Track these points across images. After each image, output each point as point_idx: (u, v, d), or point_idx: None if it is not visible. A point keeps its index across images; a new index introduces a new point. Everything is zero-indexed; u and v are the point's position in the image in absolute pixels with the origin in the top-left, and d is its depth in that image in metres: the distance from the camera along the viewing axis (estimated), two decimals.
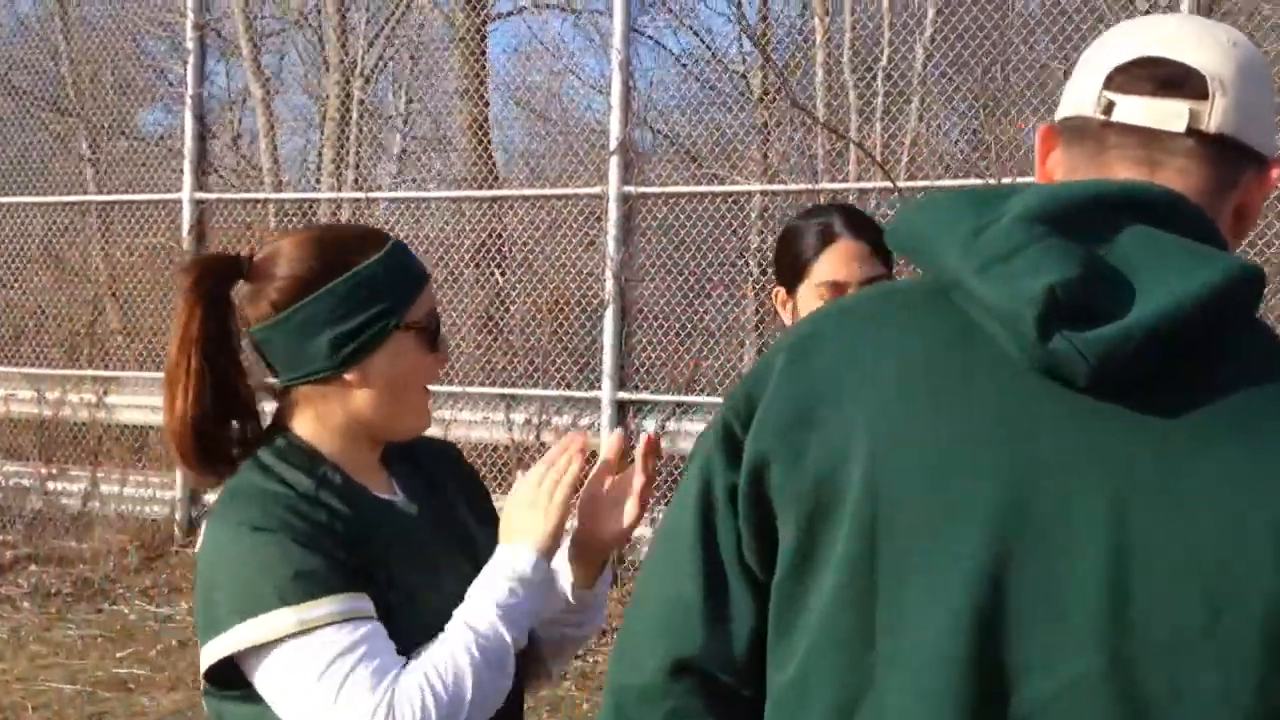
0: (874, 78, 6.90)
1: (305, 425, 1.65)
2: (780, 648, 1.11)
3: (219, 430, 1.62)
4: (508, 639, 1.56)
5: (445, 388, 7.13)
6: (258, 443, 1.64)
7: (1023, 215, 1.06)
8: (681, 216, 6.94)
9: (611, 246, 6.80)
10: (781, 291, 2.24)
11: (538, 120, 8.41)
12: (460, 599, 1.59)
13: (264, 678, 1.51)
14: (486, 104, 8.08)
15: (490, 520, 1.75)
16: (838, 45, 7.16)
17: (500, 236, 7.61)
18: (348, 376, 1.62)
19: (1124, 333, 1.00)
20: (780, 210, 6.87)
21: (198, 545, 1.62)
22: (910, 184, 6.18)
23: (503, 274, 7.60)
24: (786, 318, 2.23)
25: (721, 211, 6.88)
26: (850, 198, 6.69)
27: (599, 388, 6.90)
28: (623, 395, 6.87)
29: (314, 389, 1.63)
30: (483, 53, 8.32)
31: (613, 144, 6.88)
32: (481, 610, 1.57)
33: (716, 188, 7.03)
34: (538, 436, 7.10)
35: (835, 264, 2.16)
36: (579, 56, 8.08)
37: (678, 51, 7.72)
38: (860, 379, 1.10)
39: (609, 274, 6.85)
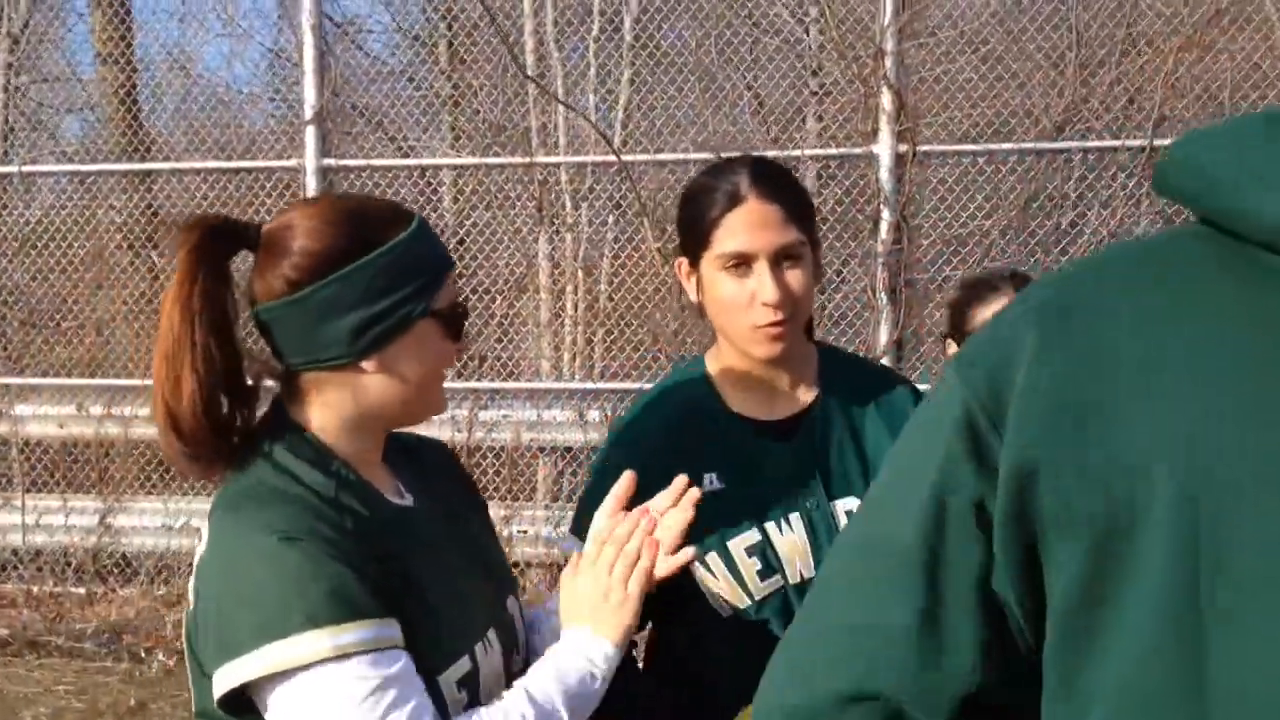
0: (585, 47, 6.69)
1: (312, 415, 1.50)
2: (1067, 696, 0.89)
3: (220, 413, 1.45)
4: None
5: (109, 380, 6.49)
6: (256, 434, 1.48)
7: None
8: (390, 193, 6.52)
9: None
10: (684, 263, 1.88)
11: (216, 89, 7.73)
12: (480, 613, 1.52)
13: (283, 707, 1.36)
14: (134, 69, 7.37)
15: (487, 527, 1.68)
16: (543, 10, 6.90)
17: (156, 214, 6.95)
18: (365, 364, 1.47)
19: None
20: (476, 183, 6.57)
21: (198, 553, 1.43)
22: (633, 157, 6.00)
23: (162, 256, 6.96)
24: (692, 293, 1.89)
25: (420, 187, 6.51)
26: (565, 171, 6.46)
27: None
28: None
29: (325, 375, 1.48)
30: (128, 12, 7.53)
31: (308, 113, 6.40)
32: (548, 690, 1.47)
33: (425, 160, 6.64)
34: None
35: (739, 232, 1.78)
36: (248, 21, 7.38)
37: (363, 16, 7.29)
38: (1143, 364, 0.86)
39: None
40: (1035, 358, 0.89)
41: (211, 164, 6.81)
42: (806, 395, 1.91)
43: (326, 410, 1.50)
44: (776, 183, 1.82)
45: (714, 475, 1.83)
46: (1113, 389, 0.86)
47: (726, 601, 1.81)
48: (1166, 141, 5.50)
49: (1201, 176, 0.87)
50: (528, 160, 6.27)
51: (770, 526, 1.84)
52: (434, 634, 1.44)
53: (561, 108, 6.78)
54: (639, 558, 1.56)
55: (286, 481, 1.44)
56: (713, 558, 1.81)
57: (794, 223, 1.80)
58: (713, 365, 1.92)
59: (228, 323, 1.45)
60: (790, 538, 1.83)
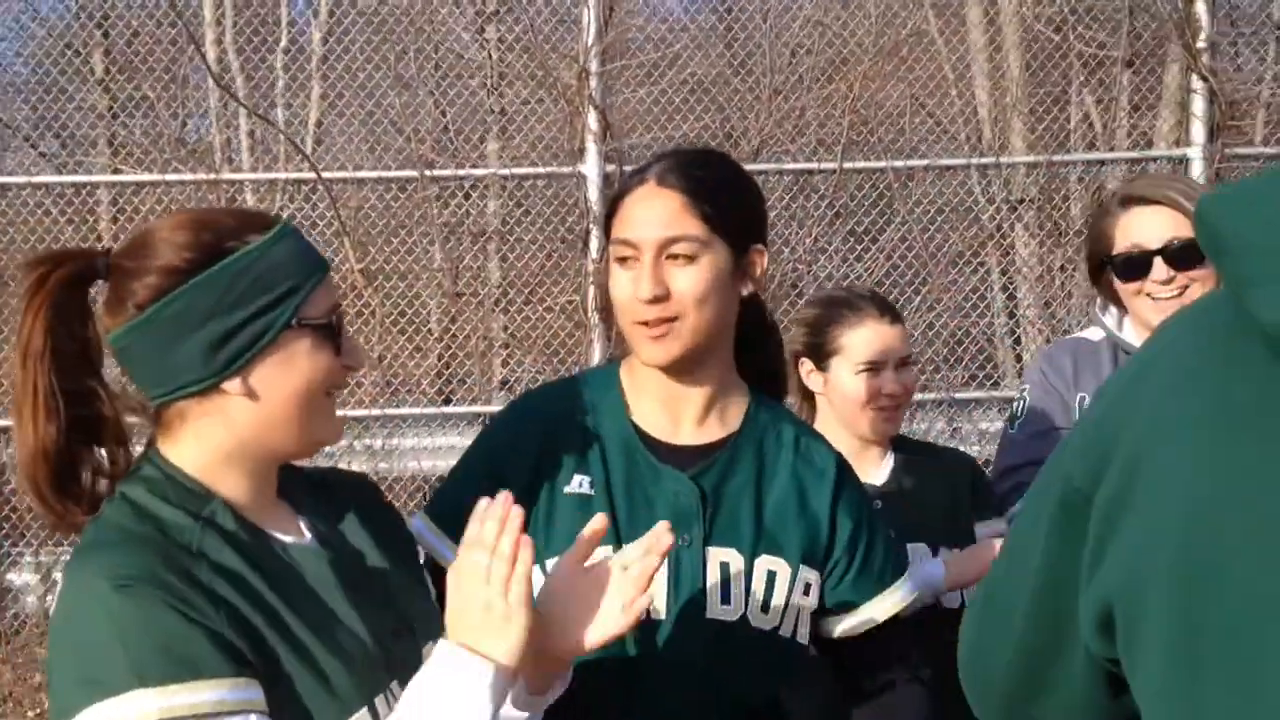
0: (274, 59, 6.35)
1: (184, 451, 1.37)
2: None
3: (76, 460, 1.34)
4: None
5: None
6: (124, 477, 1.36)
7: None
8: (40, 212, 5.95)
9: None
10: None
11: None
12: (382, 662, 1.36)
13: None
14: None
15: (410, 571, 1.53)
16: (224, 19, 6.51)
17: None
18: (227, 387, 1.34)
19: None
20: (155, 201, 6.11)
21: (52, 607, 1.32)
22: (334, 174, 5.72)
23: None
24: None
25: (74, 205, 5.98)
26: (255, 190, 6.10)
27: None
28: None
29: (189, 405, 1.35)
30: None
31: None
32: None
33: (98, 178, 6.11)
34: None
35: (627, 217, 1.64)
36: None
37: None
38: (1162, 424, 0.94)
39: None
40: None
41: None
42: (718, 431, 1.74)
43: (199, 445, 1.37)
44: (687, 171, 1.65)
45: (587, 480, 1.69)
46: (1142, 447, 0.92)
47: None
48: (855, 165, 5.78)
49: (1216, 242, 0.88)
50: (213, 177, 5.87)
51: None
52: (318, 685, 1.31)
53: (244, 122, 6.41)
54: (516, 561, 1.36)
55: (142, 525, 1.31)
56: (554, 564, 1.62)
57: (698, 216, 1.63)
58: (625, 371, 1.76)
59: (83, 363, 1.34)
60: (661, 574, 1.65)
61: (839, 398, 2.38)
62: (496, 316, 5.86)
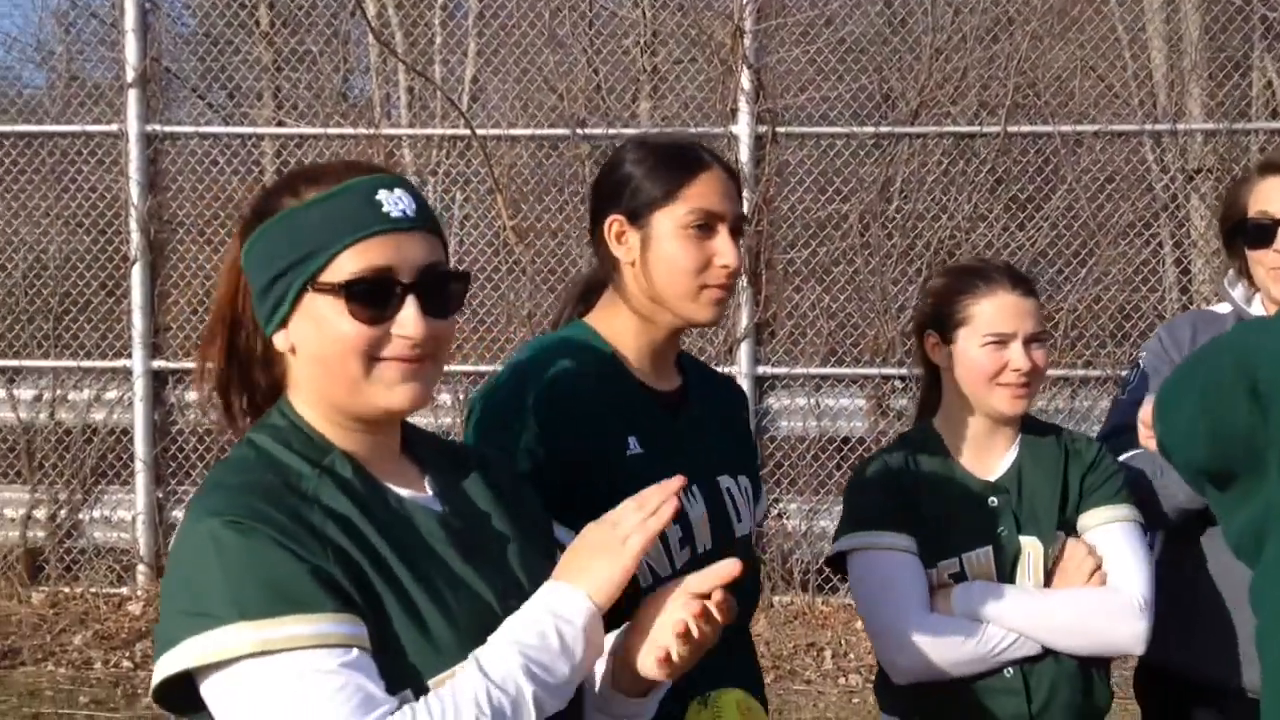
0: (432, 15, 6.40)
1: (301, 398, 1.41)
2: None
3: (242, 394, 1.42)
4: (527, 694, 1.29)
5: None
6: (258, 421, 1.42)
7: None
8: (207, 161, 6.12)
9: (135, 193, 5.90)
10: (618, 221, 1.86)
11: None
12: (482, 624, 1.34)
13: (218, 706, 1.27)
14: None
15: (542, 548, 1.51)
16: None
17: None
18: (276, 339, 1.38)
19: None
20: (316, 155, 6.22)
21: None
22: (488, 131, 5.75)
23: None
24: (625, 252, 1.86)
25: (240, 156, 6.13)
26: (413, 145, 6.17)
27: (127, 356, 5.99)
28: (159, 364, 5.99)
29: (283, 350, 1.39)
30: None
31: (130, 75, 5.96)
32: (502, 654, 1.30)
33: (262, 129, 6.26)
34: (52, 415, 6.05)
35: (712, 194, 1.83)
36: None
37: None
38: None
39: (134, 225, 5.94)
40: None
41: (20, 128, 6.27)
42: (676, 375, 1.96)
43: (305, 392, 1.40)
44: (724, 161, 1.89)
45: (634, 439, 1.82)
46: None
47: (652, 568, 1.77)
48: (1021, 129, 5.58)
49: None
50: (371, 131, 5.95)
51: (682, 495, 1.80)
52: (419, 634, 1.32)
53: (403, 78, 6.48)
54: (654, 515, 1.36)
55: (262, 469, 1.34)
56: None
57: (740, 202, 1.89)
58: (607, 331, 1.89)
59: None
60: (697, 509, 1.84)
61: (964, 371, 2.24)
62: None
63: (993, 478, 2.24)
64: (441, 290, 1.37)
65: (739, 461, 1.99)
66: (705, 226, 1.80)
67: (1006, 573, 2.18)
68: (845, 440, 5.71)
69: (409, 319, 1.33)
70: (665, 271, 1.81)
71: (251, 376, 1.42)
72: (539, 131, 5.86)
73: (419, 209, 1.38)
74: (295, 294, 1.33)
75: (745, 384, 5.47)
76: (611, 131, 5.79)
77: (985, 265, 2.32)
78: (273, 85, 6.61)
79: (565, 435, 1.74)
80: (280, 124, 6.27)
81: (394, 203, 1.35)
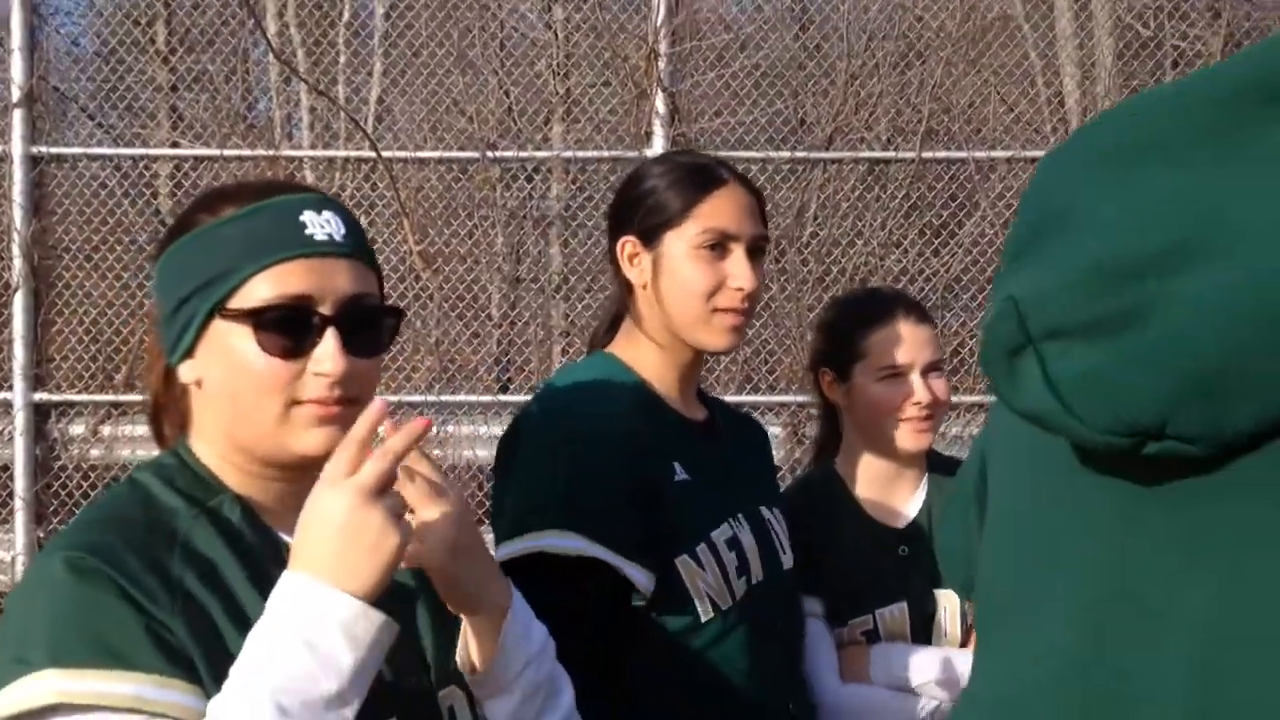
0: (336, 34, 6.20)
1: (200, 435, 1.26)
2: None
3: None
4: None
5: None
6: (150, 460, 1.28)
7: (1111, 145, 0.66)
8: (95, 184, 5.85)
9: (18, 217, 5.61)
10: (630, 243, 1.77)
11: None
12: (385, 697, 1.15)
13: None
14: None
15: (438, 610, 1.27)
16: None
17: None
18: (181, 370, 1.23)
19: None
20: (211, 177, 5.99)
21: None
22: (394, 153, 5.56)
23: None
24: (637, 274, 1.77)
25: (133, 179, 5.88)
26: (315, 167, 5.96)
27: (7, 388, 5.69)
28: (42, 396, 5.69)
29: (186, 384, 1.26)
30: None
31: (15, 95, 5.68)
32: (248, 703, 1.02)
33: (154, 150, 6.00)
34: None
35: (724, 212, 1.73)
36: None
37: None
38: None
39: (16, 251, 5.65)
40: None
41: None
42: (701, 407, 1.86)
43: (204, 430, 1.26)
44: (745, 178, 1.79)
45: (678, 465, 1.71)
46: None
47: (713, 599, 1.66)
48: (935, 155, 5.54)
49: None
50: (271, 153, 5.73)
51: (732, 522, 1.73)
52: None
53: (305, 98, 6.27)
54: (396, 460, 1.09)
55: (132, 508, 1.20)
56: (702, 549, 1.67)
57: (763, 218, 1.78)
58: (630, 360, 1.79)
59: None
60: (746, 535, 1.75)
61: (862, 409, 2.11)
62: (557, 304, 5.69)
63: (901, 524, 2.11)
64: (369, 325, 1.21)
65: (772, 494, 1.92)
66: (718, 247, 1.70)
67: (922, 629, 2.04)
68: None
69: (327, 354, 1.17)
70: (676, 295, 1.71)
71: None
72: (447, 154, 5.68)
73: (349, 234, 1.23)
74: (202, 320, 1.18)
75: None
76: (523, 155, 5.65)
77: (877, 294, 2.20)
78: (167, 105, 6.36)
79: (621, 464, 1.63)
80: (175, 145, 6.02)
81: (320, 225, 1.20)
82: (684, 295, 1.71)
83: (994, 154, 5.48)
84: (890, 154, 5.56)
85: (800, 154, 5.60)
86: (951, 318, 5.49)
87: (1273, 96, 0.63)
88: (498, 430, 5.90)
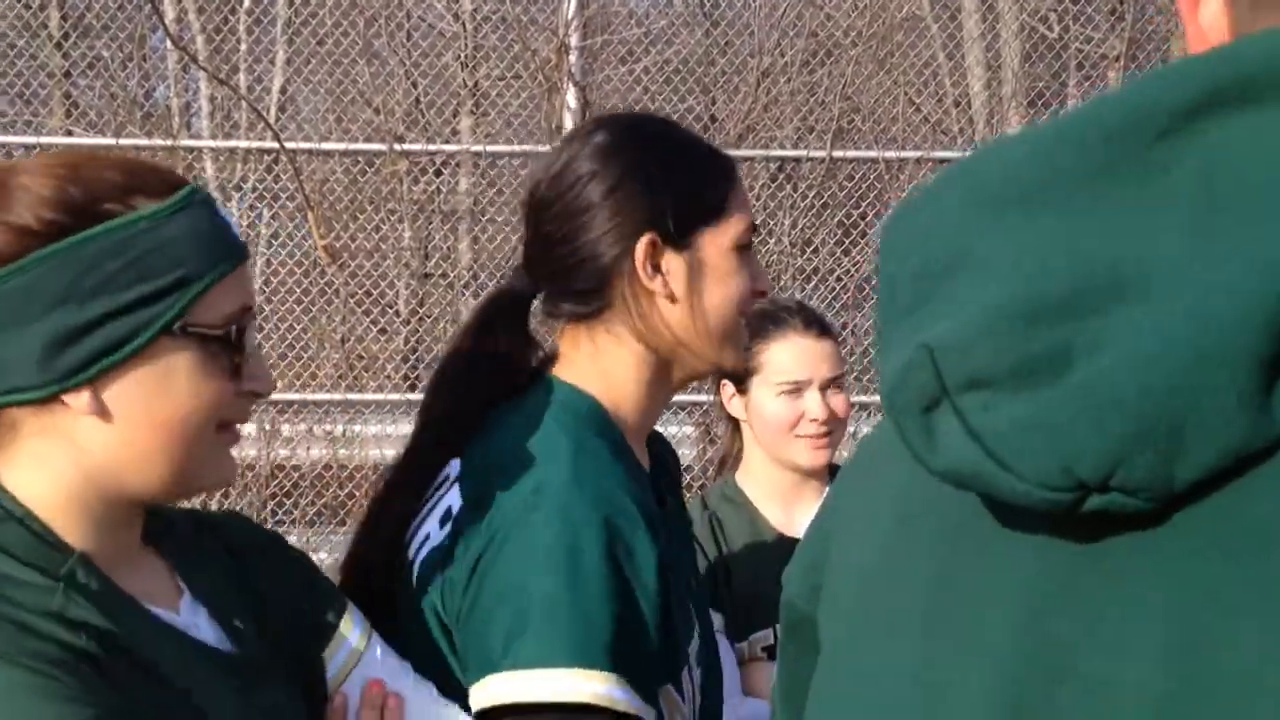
0: (237, 21, 6.04)
1: (23, 478, 1.02)
2: None
3: None
4: None
5: None
6: None
7: (993, 186, 0.61)
8: None
9: None
10: (654, 240, 1.39)
11: None
12: None
13: None
14: None
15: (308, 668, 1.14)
16: None
17: None
18: (70, 400, 1.00)
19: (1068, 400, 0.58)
20: None
21: None
22: (298, 144, 5.43)
23: None
24: (662, 286, 1.47)
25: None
26: (216, 158, 5.80)
27: None
28: None
29: (23, 415, 1.01)
30: None
31: None
32: None
33: (46, 139, 5.80)
34: None
35: (748, 205, 1.45)
36: None
37: None
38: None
39: None
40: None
41: None
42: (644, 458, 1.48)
43: (39, 470, 1.02)
44: None
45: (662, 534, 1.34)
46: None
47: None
48: (845, 154, 5.56)
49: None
50: (170, 143, 5.56)
51: (693, 619, 1.39)
52: None
53: (205, 87, 6.10)
54: None
55: None
56: (685, 675, 1.32)
57: None
58: (601, 391, 1.36)
59: None
60: (695, 637, 1.38)
61: (760, 424, 2.05)
62: (466, 300, 5.60)
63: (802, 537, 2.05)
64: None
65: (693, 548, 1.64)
66: (748, 246, 1.37)
67: None
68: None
69: (265, 373, 1.07)
70: (722, 304, 1.34)
71: None
72: (353, 146, 5.57)
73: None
74: (150, 337, 1.00)
75: None
76: (431, 148, 5.55)
77: (776, 307, 2.11)
78: (60, 92, 6.14)
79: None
80: (69, 133, 5.82)
81: (233, 225, 1.07)
82: (729, 303, 1.35)
83: (903, 154, 5.52)
84: (801, 153, 5.57)
85: None
86: (862, 318, 5.52)
87: (1166, 130, 0.60)
88: (406, 428, 5.77)
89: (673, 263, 1.33)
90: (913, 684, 0.66)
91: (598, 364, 1.36)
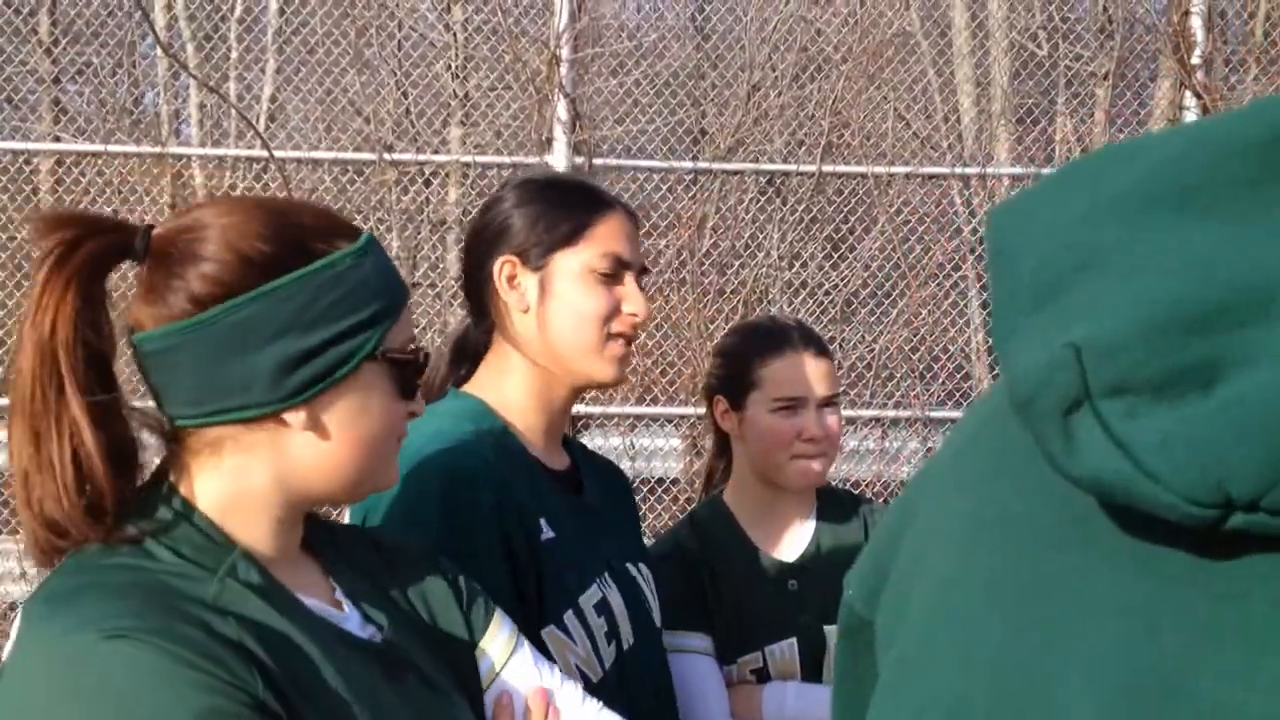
0: (228, 29, 6.03)
1: (204, 487, 1.11)
2: None
3: (106, 492, 1.04)
4: None
5: None
6: (128, 511, 1.06)
7: (1137, 186, 0.59)
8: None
9: None
10: (512, 263, 1.63)
11: None
12: None
13: None
14: None
15: (457, 664, 1.25)
16: None
17: None
18: (289, 418, 1.11)
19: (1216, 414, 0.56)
20: (94, 173, 5.78)
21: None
22: (286, 153, 5.42)
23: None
24: (519, 299, 1.63)
25: (10, 174, 5.65)
26: (204, 166, 5.79)
27: None
28: None
29: (232, 433, 1.10)
30: None
31: None
32: None
33: (35, 145, 5.78)
34: None
35: (613, 238, 1.64)
36: None
37: None
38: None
39: None
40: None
41: None
42: (565, 454, 1.73)
43: (227, 482, 1.11)
44: (628, 205, 1.70)
45: (545, 522, 1.57)
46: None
47: (583, 672, 1.53)
48: (835, 168, 5.56)
49: (997, 255, 0.68)
50: (158, 150, 5.54)
51: (600, 582, 1.61)
52: None
53: (195, 94, 6.09)
54: None
55: (140, 570, 1.04)
56: (570, 618, 1.53)
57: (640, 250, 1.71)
58: (495, 401, 1.64)
59: (107, 365, 1.06)
60: (614, 596, 1.62)
61: (755, 440, 2.05)
62: (454, 310, 5.59)
63: (791, 558, 2.04)
64: None
65: (637, 547, 1.79)
66: (611, 274, 1.60)
67: (811, 666, 1.98)
68: (660, 481, 5.57)
69: (421, 400, 1.22)
70: (567, 321, 1.59)
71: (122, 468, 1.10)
72: (342, 155, 5.55)
73: None
74: (360, 359, 1.12)
75: None
76: (420, 158, 5.54)
77: (775, 324, 2.13)
78: (49, 98, 6.12)
79: (493, 529, 1.48)
80: (57, 139, 5.80)
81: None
82: (576, 322, 1.60)
83: (893, 169, 5.52)
84: (790, 167, 5.58)
85: (701, 164, 5.59)
86: (850, 331, 5.52)
87: None
88: None
89: (527, 280, 1.60)
90: (999, 696, 0.64)
91: (493, 375, 1.65)
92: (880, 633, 0.75)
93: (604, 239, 1.60)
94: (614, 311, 1.61)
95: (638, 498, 5.59)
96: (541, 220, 1.60)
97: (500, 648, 1.30)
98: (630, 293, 1.62)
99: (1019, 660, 0.63)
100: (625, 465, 5.54)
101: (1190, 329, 0.56)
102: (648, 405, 5.58)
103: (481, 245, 1.64)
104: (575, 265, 1.60)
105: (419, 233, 5.74)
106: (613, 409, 5.56)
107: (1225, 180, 0.58)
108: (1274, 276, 0.55)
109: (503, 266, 1.60)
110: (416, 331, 6.07)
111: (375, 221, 5.58)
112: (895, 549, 0.77)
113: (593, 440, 5.58)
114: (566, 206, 1.61)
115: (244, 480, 1.11)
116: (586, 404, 5.55)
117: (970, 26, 5.93)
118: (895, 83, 5.77)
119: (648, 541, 1.96)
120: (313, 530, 1.22)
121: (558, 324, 1.60)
